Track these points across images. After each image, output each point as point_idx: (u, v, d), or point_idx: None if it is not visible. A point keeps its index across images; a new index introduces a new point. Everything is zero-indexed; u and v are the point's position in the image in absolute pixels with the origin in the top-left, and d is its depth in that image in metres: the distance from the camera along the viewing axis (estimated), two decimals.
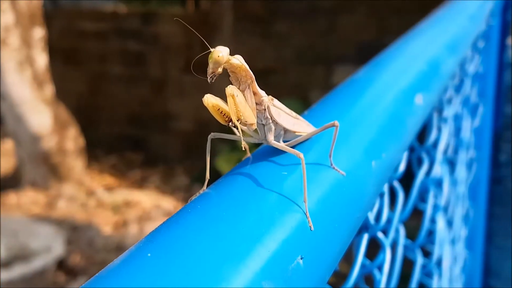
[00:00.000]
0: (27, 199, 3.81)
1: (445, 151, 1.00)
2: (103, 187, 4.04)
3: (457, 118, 1.14)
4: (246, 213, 0.33)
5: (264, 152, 0.42)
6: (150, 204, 3.79)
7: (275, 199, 0.36)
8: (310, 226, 0.35)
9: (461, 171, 1.24)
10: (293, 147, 0.41)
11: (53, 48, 4.17)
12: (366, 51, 3.83)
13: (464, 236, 1.37)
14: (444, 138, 0.93)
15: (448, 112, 0.98)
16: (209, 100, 0.38)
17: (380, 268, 0.63)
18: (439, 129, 0.91)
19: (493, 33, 1.46)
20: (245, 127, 0.40)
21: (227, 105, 0.38)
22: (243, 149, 0.39)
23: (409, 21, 3.92)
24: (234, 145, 3.62)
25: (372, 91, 0.56)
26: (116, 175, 4.29)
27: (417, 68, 0.67)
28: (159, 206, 3.77)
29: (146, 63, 4.49)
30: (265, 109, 0.40)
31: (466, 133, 1.27)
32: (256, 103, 0.40)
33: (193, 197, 0.36)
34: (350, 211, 0.40)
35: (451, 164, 1.11)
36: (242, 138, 0.38)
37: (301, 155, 0.36)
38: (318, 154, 0.42)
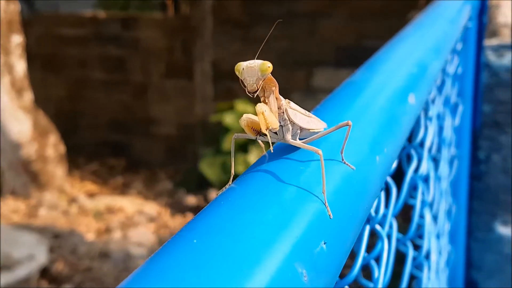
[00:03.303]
0: (7, 207, 3.78)
1: (430, 149, 1.05)
2: (85, 194, 4.03)
3: (440, 117, 1.19)
4: (270, 203, 0.37)
5: (279, 150, 0.46)
6: (133, 209, 3.79)
7: (295, 191, 0.39)
8: (329, 215, 0.38)
9: (444, 168, 1.29)
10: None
11: (32, 55, 4.15)
12: (346, 54, 3.90)
13: (448, 231, 1.42)
14: (430, 136, 0.98)
15: (433, 111, 1.03)
16: (246, 120, 0.42)
17: (377, 259, 0.67)
18: (426, 128, 0.95)
19: (470, 35, 1.52)
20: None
21: (258, 119, 0.42)
22: (272, 151, 0.43)
23: (387, 25, 4.01)
24: (218, 149, 3.64)
25: (369, 92, 0.60)
26: (97, 181, 4.28)
27: (408, 69, 0.71)
28: (142, 212, 3.77)
29: (127, 68, 4.50)
30: (283, 112, 0.44)
31: (448, 131, 1.32)
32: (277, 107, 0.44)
33: (220, 192, 0.40)
34: (360, 201, 0.44)
35: (435, 161, 1.16)
36: (270, 142, 0.42)
37: (320, 151, 0.40)
38: (328, 150, 0.45)
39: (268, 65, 0.42)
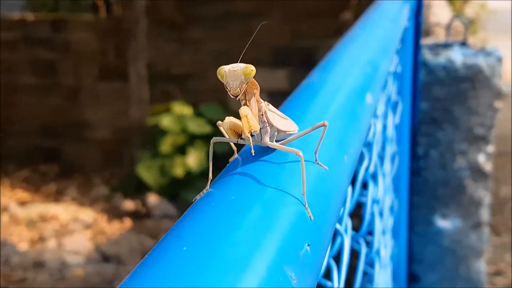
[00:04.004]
0: None
1: (377, 146, 1.07)
2: (16, 202, 3.87)
3: (383, 116, 1.21)
4: (253, 206, 0.36)
5: (251, 152, 0.45)
6: (68, 217, 3.68)
7: (273, 193, 0.38)
8: (310, 216, 0.38)
9: (387, 165, 1.32)
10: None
11: None
12: (281, 54, 3.93)
13: (391, 226, 1.46)
14: (377, 134, 1.00)
15: (379, 110, 1.05)
16: (229, 123, 0.41)
17: (336, 257, 0.67)
18: (375, 126, 0.97)
19: (408, 35, 1.57)
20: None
21: (241, 122, 0.41)
22: (253, 154, 0.42)
23: (320, 25, 4.04)
24: (155, 152, 3.59)
25: (330, 92, 0.60)
26: (29, 189, 4.12)
27: (362, 69, 0.72)
28: (77, 219, 3.67)
29: (58, 72, 4.35)
30: (262, 114, 0.44)
31: (390, 129, 1.36)
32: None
33: (198, 197, 0.38)
34: (333, 201, 0.44)
35: (381, 158, 1.19)
36: (252, 144, 0.41)
37: (300, 153, 0.39)
38: (301, 150, 0.45)
39: (251, 69, 0.41)
